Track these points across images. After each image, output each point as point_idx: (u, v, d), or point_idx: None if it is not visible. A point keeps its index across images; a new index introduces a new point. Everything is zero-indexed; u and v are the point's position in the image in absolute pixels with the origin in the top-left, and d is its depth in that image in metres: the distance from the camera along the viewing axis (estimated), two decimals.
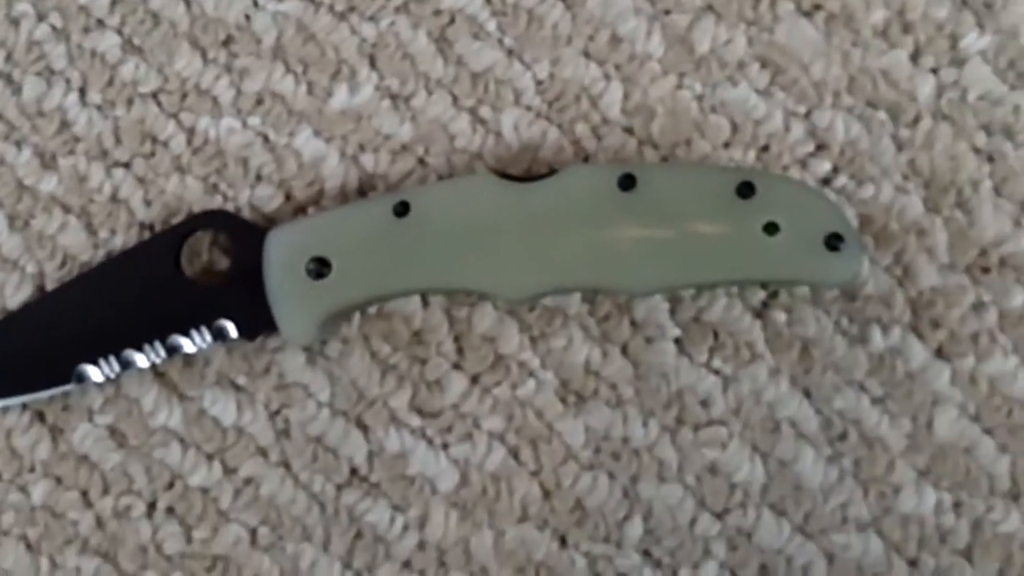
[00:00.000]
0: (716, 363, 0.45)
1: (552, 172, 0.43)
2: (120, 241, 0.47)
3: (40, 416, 0.46)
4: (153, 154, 0.47)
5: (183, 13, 0.48)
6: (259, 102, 0.48)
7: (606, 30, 0.47)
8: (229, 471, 0.46)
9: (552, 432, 0.45)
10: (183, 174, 0.47)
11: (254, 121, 0.47)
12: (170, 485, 0.46)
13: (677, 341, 0.45)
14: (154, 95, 0.48)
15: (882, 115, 0.46)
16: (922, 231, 0.45)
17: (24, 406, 0.46)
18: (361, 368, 0.46)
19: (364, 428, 0.45)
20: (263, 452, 0.46)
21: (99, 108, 0.48)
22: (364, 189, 0.47)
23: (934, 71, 0.46)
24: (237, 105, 0.48)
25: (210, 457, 0.46)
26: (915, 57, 0.46)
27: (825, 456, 0.44)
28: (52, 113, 0.48)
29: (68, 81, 0.48)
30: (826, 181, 0.46)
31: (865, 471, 0.44)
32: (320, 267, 0.43)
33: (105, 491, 0.46)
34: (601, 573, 0.44)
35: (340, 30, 0.48)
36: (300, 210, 0.47)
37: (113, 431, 0.46)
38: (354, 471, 0.45)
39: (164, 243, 0.46)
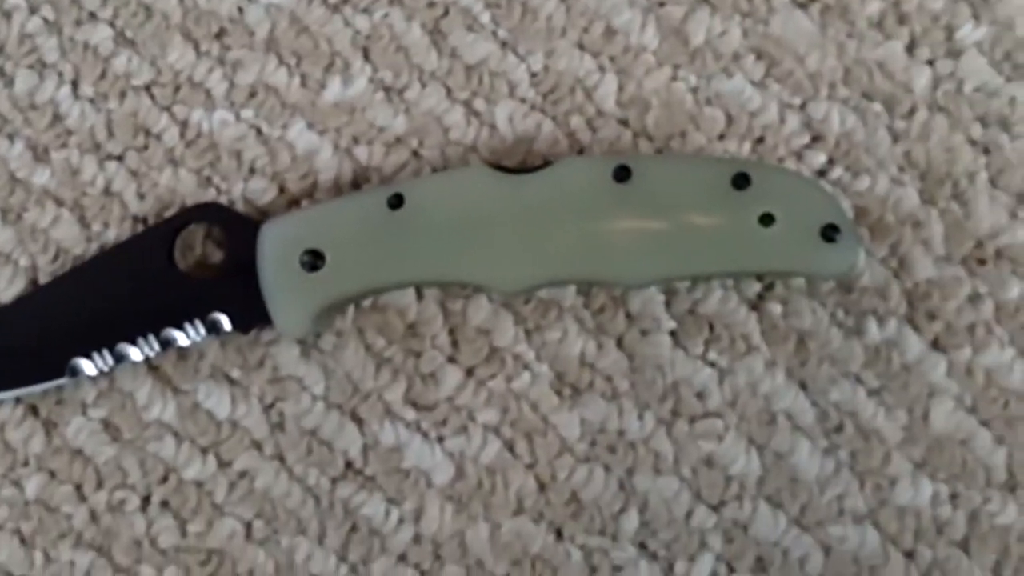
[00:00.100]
0: (712, 355, 0.45)
1: (547, 164, 0.43)
2: (113, 234, 0.47)
3: (34, 410, 0.46)
4: (146, 147, 0.47)
5: (175, 5, 0.48)
6: (252, 95, 0.47)
7: (600, 22, 0.47)
8: (223, 464, 0.45)
9: (547, 425, 0.45)
10: (176, 167, 0.47)
11: (247, 114, 0.47)
12: (164, 479, 0.46)
13: (672, 333, 0.45)
14: (147, 88, 0.48)
15: (878, 107, 0.46)
16: (918, 223, 0.45)
17: (17, 400, 0.46)
18: (356, 361, 0.45)
19: (359, 421, 0.45)
20: (257, 445, 0.45)
21: (92, 101, 0.48)
22: (358, 181, 0.47)
23: (930, 63, 0.46)
24: (230, 98, 0.47)
25: (204, 451, 0.46)
26: (911, 49, 0.46)
27: (821, 448, 0.44)
28: (44, 106, 0.48)
29: (60, 74, 0.48)
30: (821, 173, 0.46)
31: (861, 463, 0.44)
32: (314, 260, 0.43)
33: (99, 485, 0.46)
34: (597, 566, 0.44)
35: (333, 22, 0.48)
36: (294, 203, 0.47)
37: (107, 425, 0.46)
38: (349, 464, 0.45)
39: (157, 236, 0.45)
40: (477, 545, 0.45)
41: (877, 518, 0.44)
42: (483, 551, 0.45)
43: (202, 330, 0.45)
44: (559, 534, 0.45)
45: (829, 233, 0.42)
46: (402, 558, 0.45)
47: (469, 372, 0.45)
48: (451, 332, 0.45)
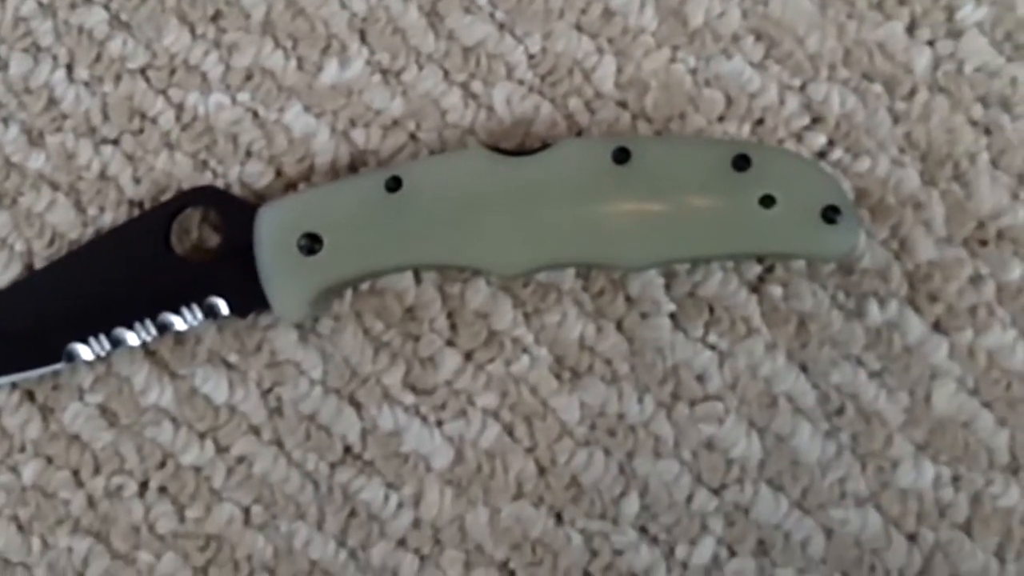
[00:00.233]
0: (712, 338, 0.45)
1: (545, 146, 0.43)
2: (109, 219, 0.47)
3: (30, 395, 0.46)
4: (142, 131, 0.47)
5: None
6: (248, 77, 0.47)
7: (599, 3, 0.47)
8: (221, 450, 0.45)
9: (547, 408, 0.45)
10: (172, 151, 0.47)
11: (243, 97, 0.47)
12: (162, 464, 0.45)
13: (672, 316, 0.45)
14: (142, 71, 0.47)
15: (878, 88, 0.46)
16: (919, 204, 0.45)
17: (14, 385, 0.46)
18: (354, 345, 0.45)
19: (357, 406, 0.45)
20: (255, 430, 0.45)
21: (87, 85, 0.47)
22: (355, 164, 0.46)
23: (930, 43, 0.46)
24: (226, 81, 0.47)
25: (202, 436, 0.45)
26: (911, 29, 0.46)
27: (822, 431, 0.44)
28: (39, 90, 0.48)
29: (55, 58, 0.48)
30: (822, 154, 0.45)
31: (863, 446, 0.44)
32: (312, 243, 0.43)
33: (96, 471, 0.45)
34: (597, 550, 0.44)
35: (330, 4, 0.47)
36: (291, 186, 0.46)
37: (104, 410, 0.46)
38: (348, 449, 0.45)
39: (154, 220, 0.45)
40: (477, 529, 0.44)
41: (879, 501, 0.44)
42: (483, 535, 0.44)
43: (199, 314, 0.44)
44: (559, 518, 0.44)
45: (830, 215, 0.41)
46: (401, 543, 0.45)
47: (468, 356, 0.45)
48: (449, 316, 0.45)
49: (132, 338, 0.44)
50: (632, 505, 0.44)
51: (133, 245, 0.45)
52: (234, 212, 0.45)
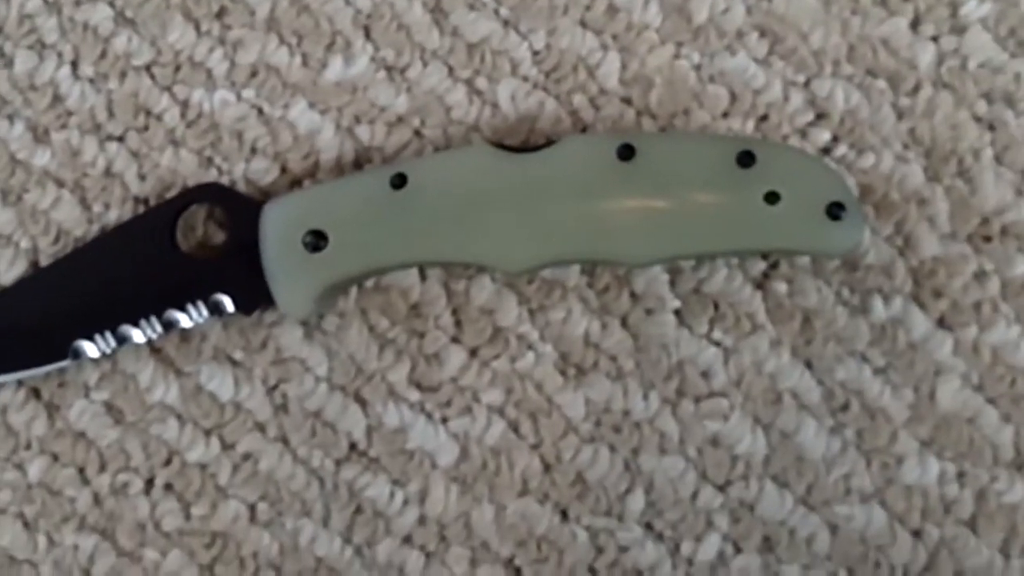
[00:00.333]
0: (717, 334, 0.45)
1: (550, 143, 0.43)
2: (114, 216, 0.47)
3: (36, 393, 0.46)
4: (147, 128, 0.47)
5: None
6: (253, 74, 0.47)
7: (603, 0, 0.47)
8: (227, 447, 0.45)
9: (552, 405, 0.45)
10: (177, 148, 0.47)
11: (248, 94, 0.47)
12: (168, 461, 0.45)
13: (677, 313, 0.45)
14: (147, 68, 0.47)
15: (882, 84, 0.46)
16: (923, 200, 0.45)
17: (20, 383, 0.46)
18: (359, 342, 0.45)
19: (362, 402, 0.45)
20: (261, 427, 0.45)
21: (92, 81, 0.47)
22: (360, 161, 0.46)
23: (934, 39, 0.46)
24: (231, 78, 0.47)
25: (208, 433, 0.45)
26: (915, 25, 0.46)
27: (827, 427, 0.44)
28: (44, 87, 0.48)
29: (60, 55, 0.48)
30: (826, 151, 0.45)
31: (868, 442, 0.44)
32: (317, 240, 0.43)
33: (102, 468, 0.45)
34: (603, 547, 0.44)
35: (334, 1, 0.47)
36: (296, 183, 0.46)
37: (110, 407, 0.46)
38: (353, 446, 0.45)
39: (159, 217, 0.45)
40: (482, 526, 0.45)
41: (884, 497, 0.44)
42: (488, 532, 0.44)
43: (204, 311, 0.44)
44: (564, 515, 0.44)
45: (834, 211, 0.41)
46: (407, 540, 0.45)
47: (473, 352, 0.45)
48: (454, 312, 0.45)
49: (138, 335, 0.44)
50: (637, 502, 0.44)
51: (138, 242, 0.45)
52: (239, 209, 0.45)
